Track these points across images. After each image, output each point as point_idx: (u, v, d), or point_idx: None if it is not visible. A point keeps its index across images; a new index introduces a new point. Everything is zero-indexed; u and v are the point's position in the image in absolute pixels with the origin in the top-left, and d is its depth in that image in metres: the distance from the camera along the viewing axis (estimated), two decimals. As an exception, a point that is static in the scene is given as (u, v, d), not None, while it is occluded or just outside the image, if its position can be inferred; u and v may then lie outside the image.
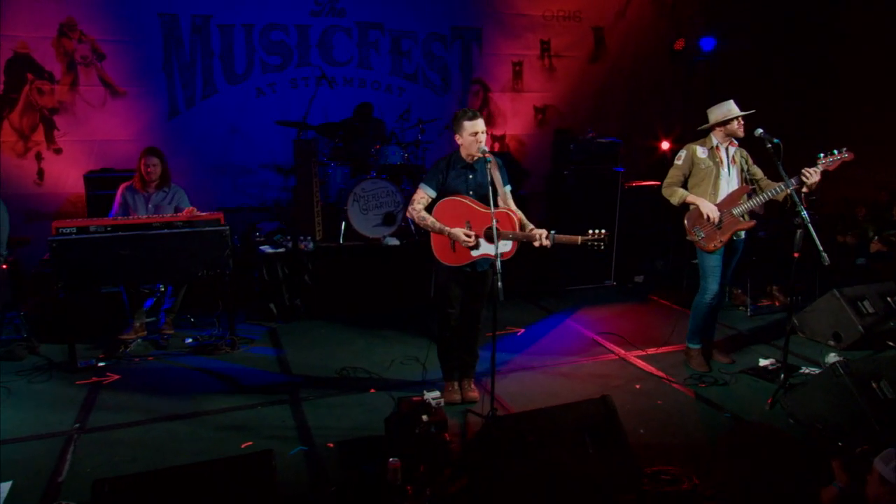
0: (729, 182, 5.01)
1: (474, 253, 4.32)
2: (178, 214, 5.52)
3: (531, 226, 4.36)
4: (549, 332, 6.14)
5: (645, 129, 9.19)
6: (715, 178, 5.00)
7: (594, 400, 3.65)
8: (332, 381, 5.04)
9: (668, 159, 6.84)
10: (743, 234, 5.06)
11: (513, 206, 4.44)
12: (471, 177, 4.40)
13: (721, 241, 4.93)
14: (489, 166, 4.17)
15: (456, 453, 3.87)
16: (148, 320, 5.96)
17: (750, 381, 5.04)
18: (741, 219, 4.93)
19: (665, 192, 5.11)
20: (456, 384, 4.76)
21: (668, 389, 4.91)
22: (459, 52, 8.67)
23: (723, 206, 4.95)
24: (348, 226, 6.71)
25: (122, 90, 7.38)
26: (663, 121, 9.25)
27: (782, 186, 4.72)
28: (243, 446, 4.05)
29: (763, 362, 5.31)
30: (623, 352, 5.60)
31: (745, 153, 5.12)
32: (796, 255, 4.61)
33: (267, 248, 6.39)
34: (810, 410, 4.28)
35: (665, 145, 8.86)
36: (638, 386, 4.95)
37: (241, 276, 6.51)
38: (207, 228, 5.39)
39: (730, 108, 4.96)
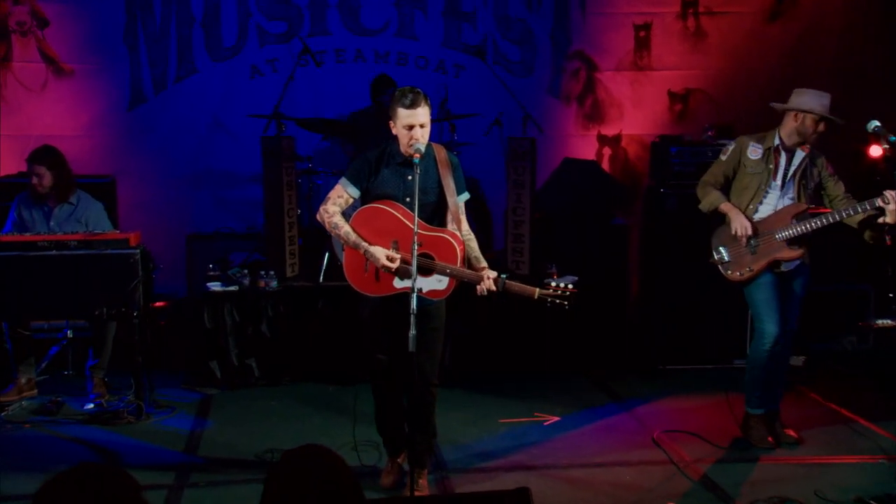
0: (781, 199, 5.54)
1: (397, 284, 4.81)
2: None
3: (484, 263, 4.80)
4: (592, 423, 6.41)
5: (857, 125, 9.10)
6: (759, 190, 5.51)
7: (507, 492, 4.00)
8: (243, 466, 5.65)
9: (878, 171, 6.97)
10: (792, 265, 5.54)
11: (464, 227, 4.89)
12: (410, 178, 4.80)
13: (751, 270, 5.52)
14: (419, 167, 4.61)
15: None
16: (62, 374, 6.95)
17: (865, 514, 5.07)
18: (785, 245, 5.49)
19: (698, 191, 5.74)
20: (397, 463, 5.26)
21: (717, 513, 5.08)
22: (551, 12, 9.14)
23: (764, 226, 5.52)
24: (332, 258, 7.33)
25: (70, 68, 8.58)
26: (887, 113, 9.13)
27: (851, 210, 5.30)
28: (76, 536, 4.75)
29: (901, 487, 5.29)
30: (686, 457, 5.75)
31: (823, 162, 5.61)
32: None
33: (214, 286, 7.18)
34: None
35: (875, 150, 8.75)
36: (671, 504, 5.16)
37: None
38: (109, 251, 6.22)
39: (820, 102, 5.44)
